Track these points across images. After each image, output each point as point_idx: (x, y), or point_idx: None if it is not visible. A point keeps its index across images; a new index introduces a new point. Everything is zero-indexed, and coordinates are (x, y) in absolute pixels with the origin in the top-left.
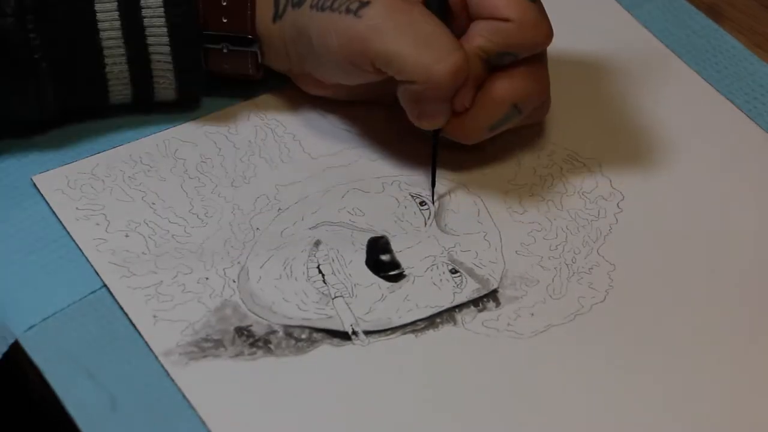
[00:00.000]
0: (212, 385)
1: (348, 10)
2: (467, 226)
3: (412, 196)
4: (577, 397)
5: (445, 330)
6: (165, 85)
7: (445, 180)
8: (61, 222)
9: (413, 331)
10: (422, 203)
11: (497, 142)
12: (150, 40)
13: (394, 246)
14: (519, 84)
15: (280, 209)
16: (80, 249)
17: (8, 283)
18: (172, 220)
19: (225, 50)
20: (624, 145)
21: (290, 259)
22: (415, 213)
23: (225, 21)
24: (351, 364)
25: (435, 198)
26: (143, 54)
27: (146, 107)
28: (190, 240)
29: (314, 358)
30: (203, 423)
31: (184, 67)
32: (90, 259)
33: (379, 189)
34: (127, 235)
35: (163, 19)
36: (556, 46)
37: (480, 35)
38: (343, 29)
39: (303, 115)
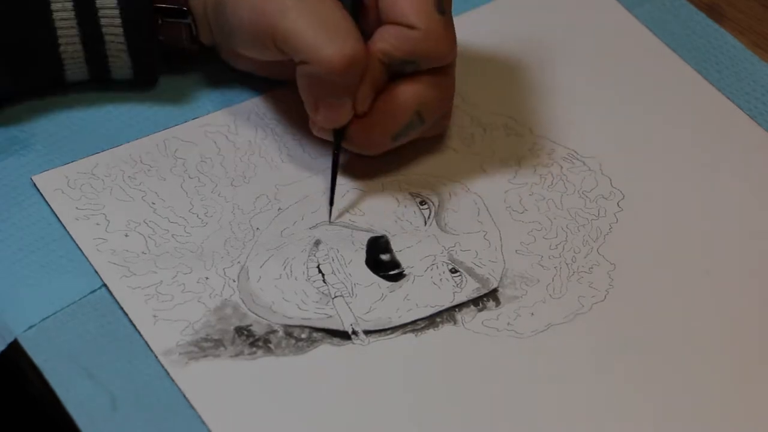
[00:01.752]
0: (212, 384)
1: None
2: (467, 225)
3: (412, 196)
4: (577, 397)
5: (445, 329)
6: (120, 63)
7: (444, 179)
8: (60, 222)
9: (413, 331)
10: (422, 202)
11: (498, 142)
12: (103, 21)
13: (394, 245)
14: (422, 91)
15: (280, 209)
16: (80, 249)
17: (8, 282)
18: (172, 220)
19: (159, 21)
20: (624, 144)
21: (290, 259)
22: (414, 212)
23: None
24: (351, 363)
25: (331, 217)
26: (97, 34)
27: (104, 84)
28: (190, 240)
29: (314, 357)
30: (203, 422)
31: (138, 45)
32: (90, 259)
33: (378, 188)
34: (126, 235)
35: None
36: (556, 45)
37: (384, 40)
38: (254, 3)
39: (303, 114)
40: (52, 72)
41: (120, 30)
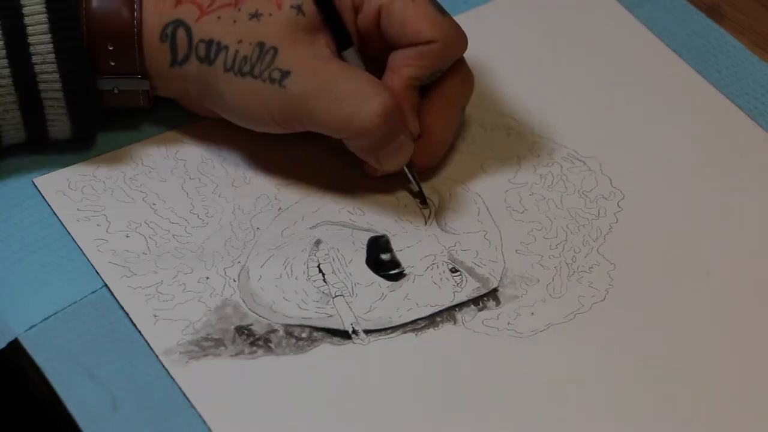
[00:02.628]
0: (213, 384)
1: (272, 80)
2: (467, 225)
3: (413, 195)
4: (576, 396)
5: (446, 329)
6: (59, 127)
7: (445, 179)
8: (61, 222)
9: (413, 330)
10: (423, 202)
11: (498, 142)
12: (42, 86)
13: (395, 245)
14: (461, 90)
15: (280, 209)
16: (81, 249)
17: (9, 282)
18: (173, 221)
19: (115, 91)
20: (624, 144)
21: (291, 259)
22: (415, 212)
23: (113, 64)
24: (351, 363)
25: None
26: (35, 100)
27: (40, 146)
28: (191, 240)
29: (314, 357)
30: (204, 422)
31: (78, 111)
32: (91, 260)
33: (379, 188)
34: (127, 236)
35: (54, 65)
36: (557, 46)
37: (407, 65)
38: (268, 98)
39: None
40: None
41: (60, 95)
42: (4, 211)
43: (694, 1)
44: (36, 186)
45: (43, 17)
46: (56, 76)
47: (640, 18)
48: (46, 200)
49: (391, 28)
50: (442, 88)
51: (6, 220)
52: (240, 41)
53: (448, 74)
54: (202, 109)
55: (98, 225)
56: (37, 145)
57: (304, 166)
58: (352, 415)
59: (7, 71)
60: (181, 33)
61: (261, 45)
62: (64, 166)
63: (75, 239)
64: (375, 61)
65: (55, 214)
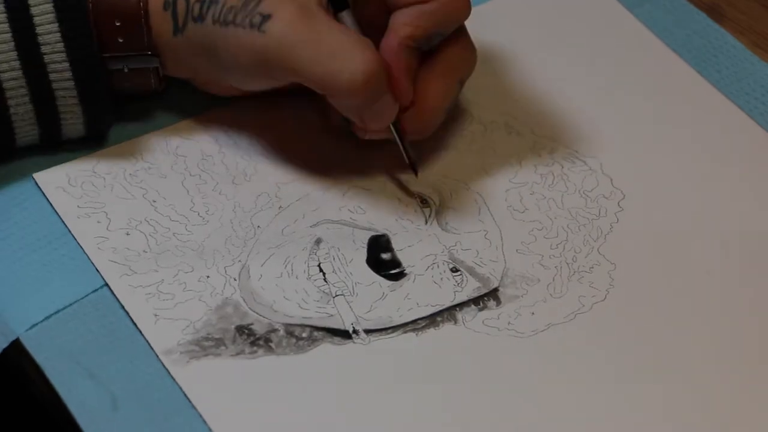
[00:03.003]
0: (213, 383)
1: (252, 25)
2: (468, 224)
3: (413, 194)
4: (577, 396)
5: (446, 329)
6: (72, 120)
7: (445, 178)
8: (62, 220)
9: (414, 330)
10: (423, 201)
11: (498, 141)
12: (52, 76)
13: (395, 244)
14: (460, 61)
15: (281, 207)
16: (81, 247)
17: (9, 281)
18: (173, 218)
19: (126, 70)
20: (625, 143)
21: (291, 258)
22: (416, 211)
23: (121, 41)
24: (352, 362)
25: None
26: (47, 91)
27: (53, 145)
28: (191, 238)
29: (315, 356)
30: (204, 421)
31: (91, 99)
32: (91, 258)
33: (380, 187)
34: (128, 233)
35: (63, 54)
36: (557, 45)
37: (405, 24)
38: (250, 45)
39: (303, 111)
40: (3, 137)
41: (71, 83)
42: (4, 209)
43: (694, 1)
44: (35, 181)
45: (50, 6)
46: (66, 65)
47: (640, 18)
48: (46, 197)
49: None
50: (441, 55)
51: (6, 218)
52: None
53: (448, 42)
54: (211, 85)
55: (98, 222)
56: (50, 145)
57: (305, 164)
58: (353, 414)
59: (17, 63)
60: None
61: None
62: (65, 162)
63: (75, 237)
64: (370, 27)
65: (55, 211)
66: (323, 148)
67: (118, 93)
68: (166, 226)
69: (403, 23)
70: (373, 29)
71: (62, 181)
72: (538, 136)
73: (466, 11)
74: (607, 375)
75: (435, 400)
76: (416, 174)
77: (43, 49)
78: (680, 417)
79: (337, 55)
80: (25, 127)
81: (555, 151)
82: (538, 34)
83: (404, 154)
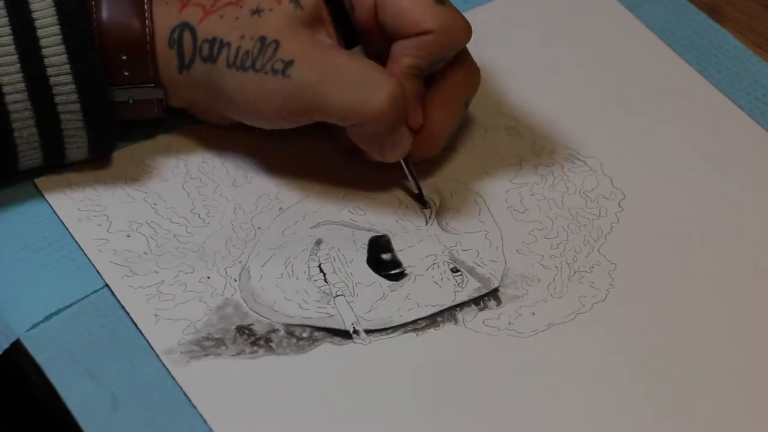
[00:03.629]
0: (213, 383)
1: (274, 71)
2: (468, 224)
3: (413, 197)
4: (577, 396)
5: (446, 329)
6: (77, 144)
7: (446, 179)
8: (62, 222)
9: (414, 330)
10: (421, 202)
11: (499, 142)
12: (58, 98)
13: (396, 245)
14: (464, 82)
15: (281, 208)
16: (82, 249)
17: (10, 282)
18: (174, 220)
19: (130, 101)
20: (625, 144)
21: (291, 258)
22: (416, 212)
23: (127, 74)
24: (352, 362)
25: (425, 198)
26: (52, 114)
27: (56, 168)
28: (192, 239)
29: (315, 356)
30: (204, 421)
31: (95, 122)
32: (92, 260)
33: (380, 188)
34: (128, 235)
35: (70, 77)
36: (558, 46)
37: (406, 54)
38: (274, 91)
39: None
40: (6, 160)
41: (77, 106)
42: (6, 211)
43: (694, 1)
44: (37, 186)
45: (56, 29)
46: (72, 87)
47: (640, 18)
48: (47, 200)
49: (388, 20)
50: (444, 79)
51: (7, 220)
52: (242, 37)
53: (452, 66)
54: (212, 116)
55: (99, 225)
56: (54, 168)
57: (305, 166)
58: (353, 414)
59: (22, 86)
60: (186, 36)
61: (263, 39)
62: (66, 167)
63: (76, 239)
64: (378, 59)
65: (56, 214)
66: (323, 150)
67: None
68: (166, 228)
69: (403, 54)
70: (379, 61)
71: (63, 186)
72: (538, 137)
73: (466, 37)
74: (608, 375)
75: (435, 400)
76: (424, 205)
77: (49, 71)
78: (680, 417)
79: (362, 83)
80: (29, 151)
81: (555, 151)
82: (539, 35)
83: (413, 184)
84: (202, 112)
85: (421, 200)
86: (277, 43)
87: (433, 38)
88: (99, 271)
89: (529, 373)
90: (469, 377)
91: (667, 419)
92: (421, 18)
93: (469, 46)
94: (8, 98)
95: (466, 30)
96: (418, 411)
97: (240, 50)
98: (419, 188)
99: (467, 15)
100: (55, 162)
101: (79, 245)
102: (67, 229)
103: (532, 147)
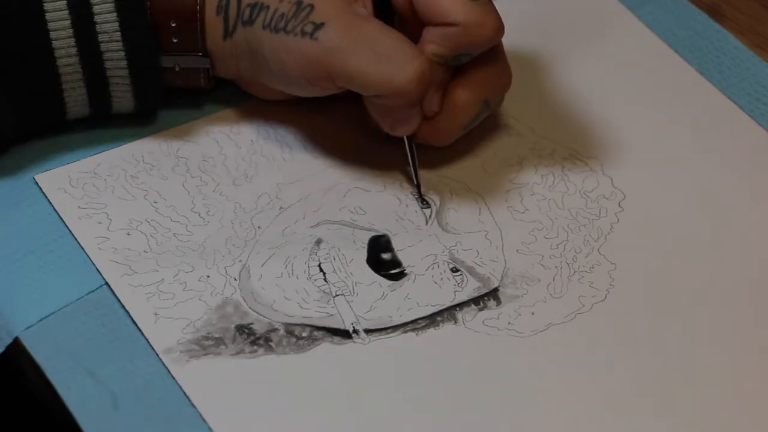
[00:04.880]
0: (213, 382)
1: (303, 33)
2: (468, 224)
3: (414, 195)
4: (577, 396)
5: (446, 328)
6: (123, 103)
7: (446, 179)
8: (63, 220)
9: (414, 330)
10: (424, 202)
11: (499, 142)
12: (108, 64)
13: (395, 244)
14: (486, 81)
15: (281, 208)
16: (82, 247)
17: (10, 281)
18: (174, 219)
19: (177, 68)
20: (626, 144)
21: (291, 258)
22: (416, 212)
23: (176, 41)
24: (351, 362)
25: (423, 196)
26: (101, 78)
27: (103, 119)
28: (192, 238)
29: (315, 356)
30: (204, 420)
31: (142, 88)
32: (91, 258)
33: (380, 188)
34: (128, 234)
35: (120, 44)
36: (558, 46)
37: (432, 41)
38: (301, 52)
39: (305, 113)
40: (55, 115)
41: (125, 73)
42: (5, 209)
43: (694, 2)
44: (37, 183)
45: (110, 3)
46: (122, 54)
47: (641, 18)
48: (47, 197)
49: (420, 6)
50: (468, 74)
51: (6, 218)
52: (281, 0)
53: (478, 62)
54: (257, 88)
55: (99, 223)
56: (101, 119)
57: (306, 165)
58: (353, 414)
59: (74, 50)
60: (233, 2)
61: (299, 3)
62: (66, 163)
63: (76, 237)
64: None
65: (56, 212)
66: (323, 150)
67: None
68: (166, 226)
69: (430, 40)
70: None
71: (63, 182)
72: (538, 137)
73: (495, 36)
74: (607, 375)
75: (435, 400)
76: (420, 194)
77: (101, 38)
78: (680, 417)
79: (393, 57)
80: (77, 107)
81: (555, 151)
82: (539, 35)
83: (411, 166)
84: (247, 84)
85: (418, 187)
86: (311, 6)
87: (458, 31)
88: (99, 269)
89: (529, 373)
90: (469, 377)
91: (667, 419)
92: (449, 10)
93: None
94: (60, 62)
95: (496, 30)
96: (417, 411)
97: (276, 12)
98: (416, 171)
99: None
100: (102, 115)
101: (78, 243)
102: (67, 226)
103: (533, 147)
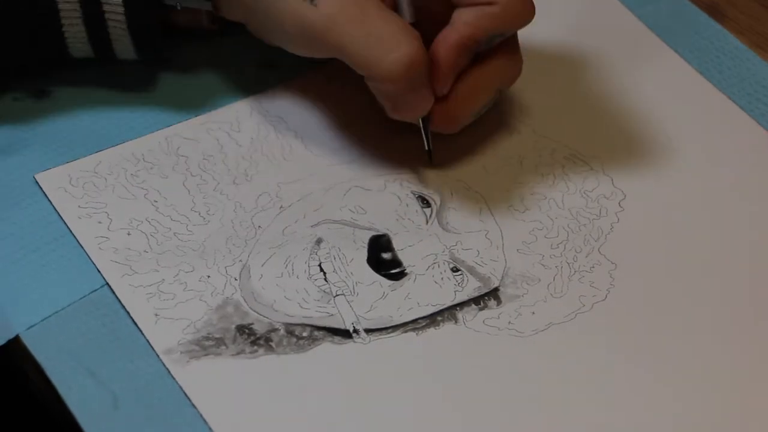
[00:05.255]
0: (213, 383)
1: None
2: (469, 224)
3: (414, 194)
4: (577, 396)
5: (446, 328)
6: (123, 46)
7: (446, 178)
8: (63, 220)
9: (414, 330)
10: (424, 201)
11: (499, 141)
12: (105, 6)
13: (396, 244)
14: (502, 69)
15: (282, 207)
16: (82, 247)
17: (10, 281)
18: (174, 218)
19: (178, 7)
20: (626, 144)
21: (292, 257)
22: (416, 211)
23: None
24: (352, 362)
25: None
26: (98, 17)
27: (111, 63)
28: (192, 238)
29: (315, 356)
30: (204, 421)
31: (139, 30)
32: (92, 257)
33: (380, 187)
34: (129, 233)
35: None
36: (559, 45)
37: (467, 24)
38: (298, 16)
39: (305, 112)
40: (56, 51)
41: (121, 9)
42: (5, 209)
43: (694, 1)
44: (37, 182)
45: None
46: None
47: (642, 18)
48: (47, 197)
49: None
50: (485, 60)
51: (6, 218)
52: None
53: (497, 49)
54: (261, 32)
55: (99, 222)
56: (108, 63)
57: (306, 164)
58: (353, 414)
59: None
60: None
61: None
62: (66, 162)
63: (76, 237)
64: (428, 16)
65: (56, 211)
66: (324, 149)
67: (172, 25)
68: (167, 226)
69: (465, 22)
70: (430, 18)
71: (63, 182)
72: (539, 136)
73: (530, 16)
74: (608, 375)
75: (435, 400)
76: (431, 161)
77: None
78: (681, 416)
79: (383, 40)
80: (78, 44)
81: (556, 151)
82: (539, 34)
83: (425, 141)
84: (254, 29)
85: (430, 157)
86: None
87: (496, 10)
88: (99, 269)
89: (530, 373)
90: (469, 377)
91: (667, 418)
92: None
93: None
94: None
95: (531, 10)
96: (417, 410)
97: None
98: (430, 149)
99: None
100: (107, 58)
101: (79, 243)
102: (67, 226)
103: (533, 146)
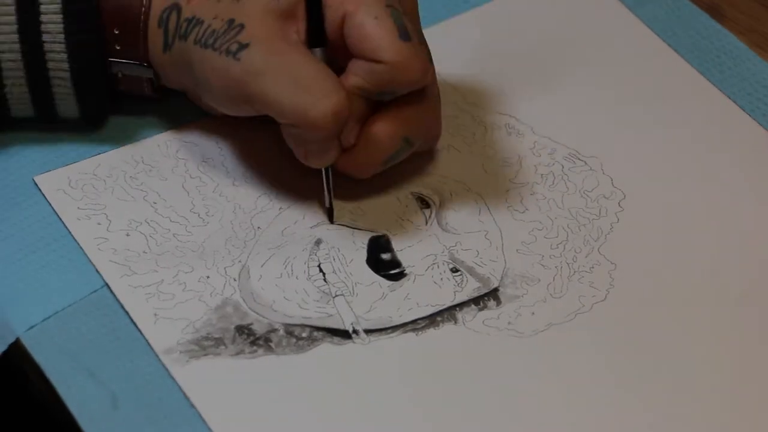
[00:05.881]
0: (213, 383)
1: (228, 52)
2: (468, 224)
3: (413, 195)
4: (577, 396)
5: (446, 329)
6: (68, 106)
7: (446, 178)
8: (62, 221)
9: (414, 330)
10: (423, 202)
11: (499, 141)
12: (50, 65)
13: (395, 245)
14: (407, 119)
15: (281, 208)
16: (81, 248)
17: (10, 282)
18: (174, 219)
19: (120, 75)
20: (625, 144)
21: (291, 258)
22: (416, 212)
23: (119, 49)
24: (351, 362)
25: (335, 222)
26: (43, 78)
27: (50, 123)
28: (191, 239)
29: (315, 356)
30: (204, 421)
31: (86, 91)
32: (91, 258)
33: (380, 188)
34: (128, 234)
35: (63, 45)
36: (558, 45)
37: (356, 74)
38: (222, 70)
39: None
40: None
41: (67, 75)
42: (4, 210)
43: (694, 1)
44: (36, 184)
45: (57, 4)
46: (64, 56)
47: (642, 18)
48: (46, 198)
49: (350, 39)
50: (391, 109)
51: (6, 219)
52: (215, 17)
53: (404, 100)
54: (202, 103)
55: (99, 224)
56: (48, 122)
57: (306, 165)
58: (353, 414)
59: (17, 46)
60: (173, 16)
61: (231, 21)
62: (65, 165)
63: (75, 238)
64: (336, 69)
65: (56, 213)
66: None
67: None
68: (166, 227)
69: (355, 73)
70: (336, 69)
71: (63, 184)
72: (538, 136)
73: (421, 79)
74: (607, 375)
75: (435, 400)
76: (331, 221)
77: (45, 37)
78: (680, 417)
79: (312, 88)
80: (20, 105)
81: (555, 151)
82: (539, 34)
83: (326, 195)
84: (193, 97)
85: (330, 216)
86: (242, 26)
87: (384, 69)
88: (98, 270)
89: (529, 373)
90: (469, 377)
91: (666, 419)
92: (378, 47)
93: (471, 46)
94: (2, 56)
95: (422, 73)
96: (417, 411)
97: (209, 29)
98: (331, 204)
99: (468, 14)
100: (48, 118)
101: (78, 244)
102: (66, 227)
103: (533, 146)
